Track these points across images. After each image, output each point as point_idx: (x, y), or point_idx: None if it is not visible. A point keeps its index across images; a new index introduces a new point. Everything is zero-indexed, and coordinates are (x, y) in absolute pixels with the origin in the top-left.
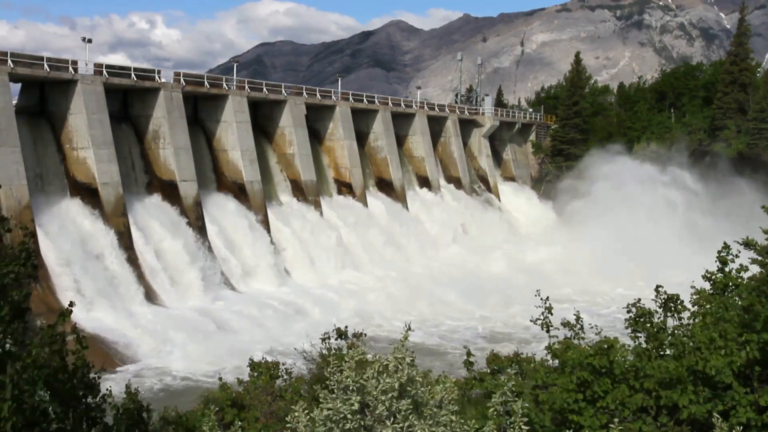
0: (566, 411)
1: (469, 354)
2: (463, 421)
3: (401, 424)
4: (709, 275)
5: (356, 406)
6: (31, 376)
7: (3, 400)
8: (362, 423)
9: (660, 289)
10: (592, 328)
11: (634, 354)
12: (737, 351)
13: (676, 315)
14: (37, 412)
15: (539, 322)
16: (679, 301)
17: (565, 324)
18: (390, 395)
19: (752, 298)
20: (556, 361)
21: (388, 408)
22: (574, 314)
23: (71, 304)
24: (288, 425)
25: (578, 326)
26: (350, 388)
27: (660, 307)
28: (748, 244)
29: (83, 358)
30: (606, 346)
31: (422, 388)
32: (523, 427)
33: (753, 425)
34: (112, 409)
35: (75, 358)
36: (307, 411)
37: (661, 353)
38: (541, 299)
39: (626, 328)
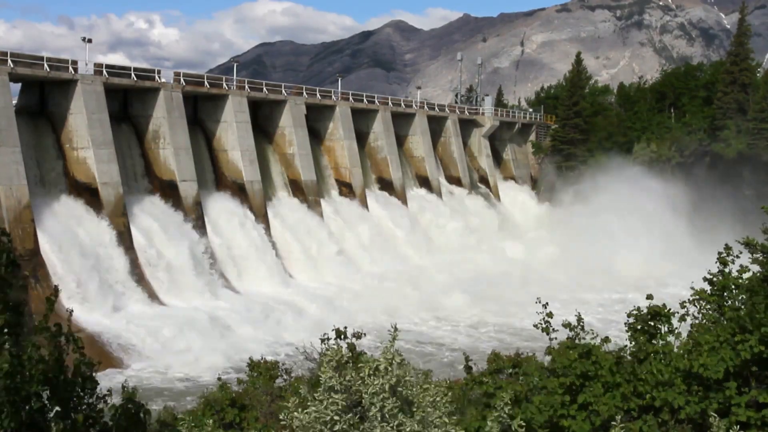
0: (556, 416)
1: (467, 359)
2: (455, 422)
3: (392, 423)
4: (709, 277)
5: (340, 406)
6: (30, 372)
7: None
8: (351, 422)
9: (650, 299)
10: (589, 332)
11: (631, 357)
12: (730, 351)
13: (663, 321)
14: (32, 411)
15: (540, 327)
16: (668, 310)
17: (566, 325)
18: (381, 396)
19: (747, 298)
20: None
21: (380, 408)
22: (575, 315)
23: (55, 289)
24: (282, 422)
25: (579, 327)
26: (335, 388)
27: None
28: (748, 243)
29: (84, 355)
30: (585, 351)
31: (413, 389)
32: None
33: (753, 423)
34: (110, 410)
35: (75, 357)
36: (299, 409)
37: (658, 356)
38: (542, 305)
39: (626, 331)
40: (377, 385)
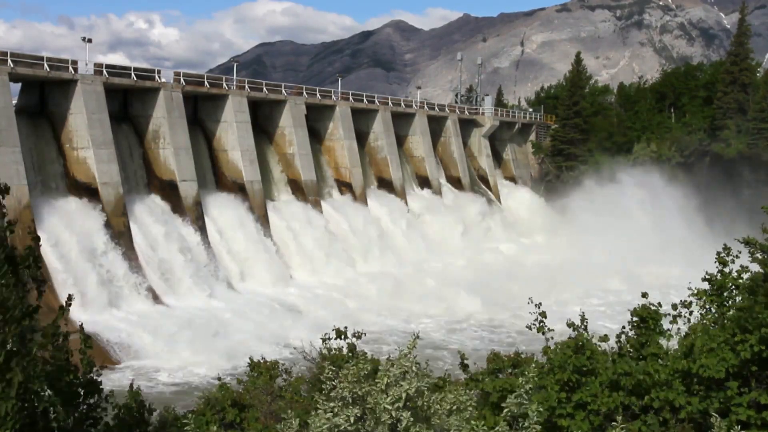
0: (554, 415)
1: (463, 357)
2: (472, 427)
3: None
4: (708, 277)
5: (353, 419)
6: (38, 374)
7: (7, 398)
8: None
9: (646, 298)
10: (591, 334)
11: (634, 358)
12: (730, 352)
13: (655, 323)
14: (37, 412)
15: (534, 327)
16: (658, 313)
17: (570, 325)
18: (396, 405)
19: (746, 298)
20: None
21: (393, 416)
22: (579, 314)
23: (70, 297)
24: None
25: (582, 326)
26: (348, 399)
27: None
28: (748, 242)
29: (89, 357)
30: (580, 344)
31: (432, 396)
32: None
33: (753, 423)
34: (113, 408)
35: (80, 358)
36: (299, 420)
37: (655, 357)
38: (534, 305)
39: (630, 330)
40: (394, 396)
